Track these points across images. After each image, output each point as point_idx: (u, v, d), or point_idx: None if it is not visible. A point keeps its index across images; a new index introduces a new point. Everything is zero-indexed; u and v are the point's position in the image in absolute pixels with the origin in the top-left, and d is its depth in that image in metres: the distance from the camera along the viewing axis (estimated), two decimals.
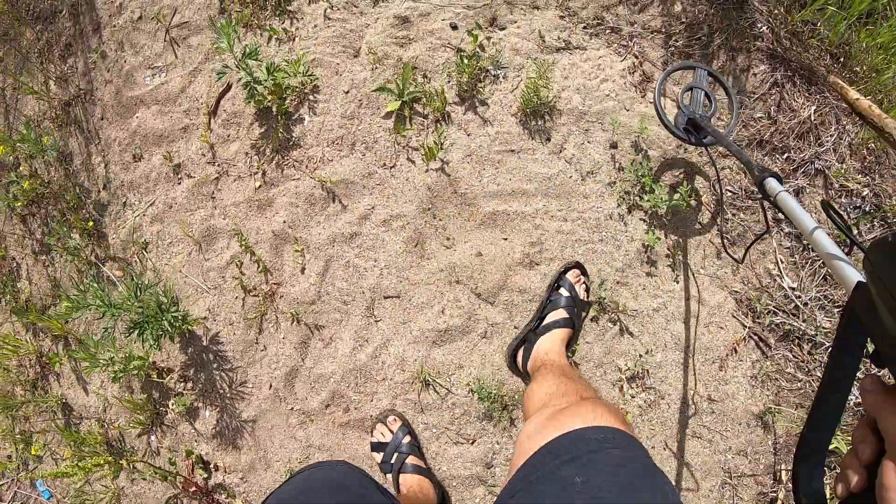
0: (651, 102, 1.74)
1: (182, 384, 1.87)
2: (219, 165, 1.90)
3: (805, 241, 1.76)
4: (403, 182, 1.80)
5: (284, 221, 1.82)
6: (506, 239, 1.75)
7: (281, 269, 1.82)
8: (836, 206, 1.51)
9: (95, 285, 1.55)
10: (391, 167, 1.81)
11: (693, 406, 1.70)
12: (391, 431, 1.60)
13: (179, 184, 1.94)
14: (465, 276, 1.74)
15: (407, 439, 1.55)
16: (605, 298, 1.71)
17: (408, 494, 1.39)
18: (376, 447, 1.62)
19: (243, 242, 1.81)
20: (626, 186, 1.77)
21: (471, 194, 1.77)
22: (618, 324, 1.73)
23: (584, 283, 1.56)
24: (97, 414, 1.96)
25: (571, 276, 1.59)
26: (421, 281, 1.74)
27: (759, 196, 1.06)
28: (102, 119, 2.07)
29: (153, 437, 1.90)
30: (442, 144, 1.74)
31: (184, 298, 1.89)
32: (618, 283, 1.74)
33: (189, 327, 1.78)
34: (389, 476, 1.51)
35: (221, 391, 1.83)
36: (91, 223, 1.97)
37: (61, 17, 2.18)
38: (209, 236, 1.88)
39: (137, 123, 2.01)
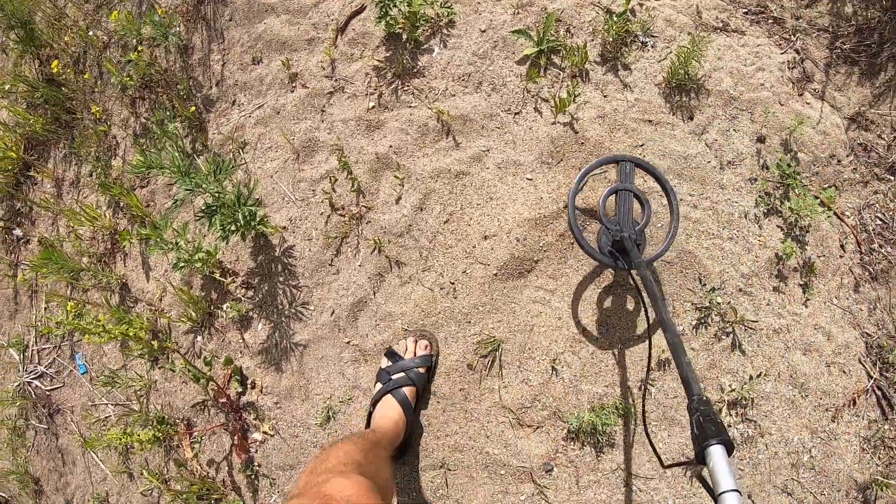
0: (566, 210, 1.13)
1: (243, 291, 1.35)
2: (336, 81, 1.40)
3: None
4: (526, 130, 1.26)
5: (391, 146, 1.29)
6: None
7: (375, 193, 1.29)
8: None
9: (176, 153, 1.05)
10: (516, 113, 1.27)
11: (793, 455, 1.09)
12: (414, 353, 1.17)
13: (292, 92, 1.44)
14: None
15: (422, 370, 1.15)
16: (722, 304, 1.13)
17: (378, 417, 1.08)
18: (390, 354, 1.19)
19: (343, 159, 1.29)
20: (767, 187, 1.21)
21: (595, 155, 1.21)
22: (731, 336, 1.14)
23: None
24: (152, 301, 1.45)
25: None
26: (529, 240, 1.19)
27: (692, 462, 0.56)
28: (230, 20, 1.60)
29: (199, 338, 1.38)
30: (574, 99, 1.20)
31: (269, 204, 1.38)
32: (740, 290, 1.16)
33: (265, 229, 1.27)
34: (379, 385, 1.15)
35: (280, 307, 1.30)
36: (193, 108, 1.49)
37: None
38: (309, 147, 1.37)
39: (264, 29, 1.54)
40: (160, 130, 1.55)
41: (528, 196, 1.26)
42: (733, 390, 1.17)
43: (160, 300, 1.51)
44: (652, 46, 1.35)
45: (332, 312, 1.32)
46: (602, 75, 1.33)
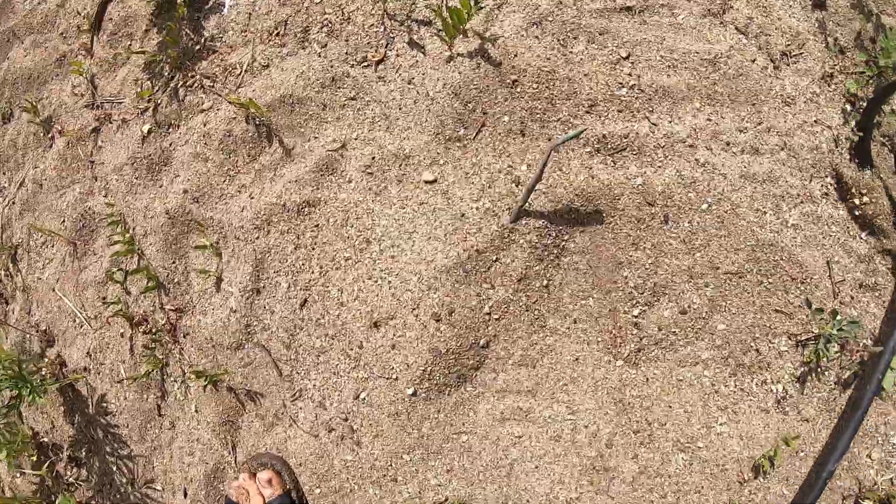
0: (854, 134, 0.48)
1: (73, 469, 0.61)
2: (99, 108, 0.60)
3: None
4: (403, 88, 0.43)
5: (185, 191, 0.49)
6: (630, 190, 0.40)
7: (184, 281, 0.49)
8: None
9: None
10: (378, 62, 0.44)
11: None
12: (260, 495, 0.52)
13: (51, 147, 0.65)
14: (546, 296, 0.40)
15: None
16: (842, 322, 0.35)
17: None
18: None
19: (125, 236, 0.49)
20: (852, 85, 0.36)
21: (547, 101, 0.38)
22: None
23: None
24: None
25: None
26: (459, 309, 0.39)
27: None
28: None
29: None
30: (478, 2, 0.35)
31: (59, 334, 0.60)
32: (860, 285, 0.36)
33: (38, 399, 0.51)
34: None
35: (122, 490, 0.57)
36: None
37: None
38: (86, 228, 0.59)
39: (7, 67, 0.75)
40: None
41: (437, 218, 0.47)
42: (887, 473, 0.41)
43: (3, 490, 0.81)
44: None
45: (186, 493, 0.58)
46: None
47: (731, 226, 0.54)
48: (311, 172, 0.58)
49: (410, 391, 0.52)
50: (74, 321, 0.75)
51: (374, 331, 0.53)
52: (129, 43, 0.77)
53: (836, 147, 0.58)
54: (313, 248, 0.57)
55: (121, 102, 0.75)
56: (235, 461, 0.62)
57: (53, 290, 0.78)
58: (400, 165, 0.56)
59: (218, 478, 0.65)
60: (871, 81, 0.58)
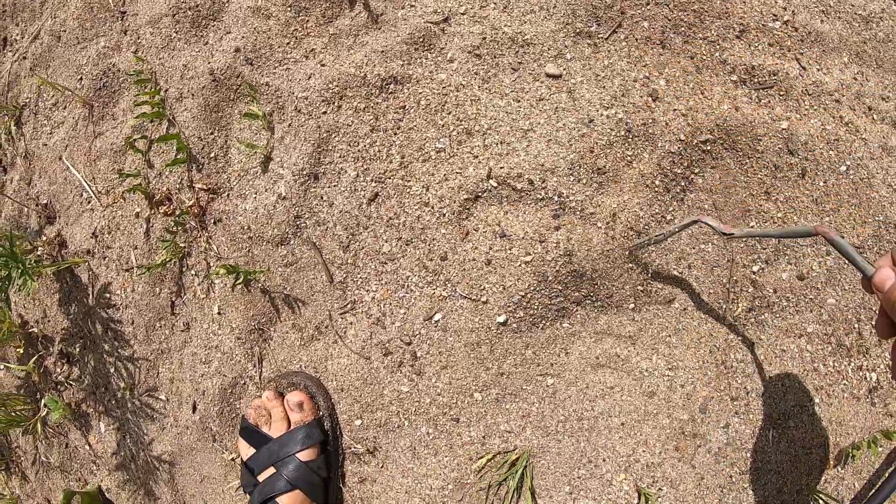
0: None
1: (64, 366, 0.36)
2: None
3: None
4: None
5: (238, 49, 0.23)
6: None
7: (222, 156, 0.25)
8: None
9: None
10: None
11: None
12: (286, 419, 0.33)
13: None
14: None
15: (307, 455, 0.29)
16: None
17: None
18: (248, 434, 0.34)
19: (155, 97, 0.23)
20: None
21: (695, 14, 0.17)
22: None
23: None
24: None
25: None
26: (568, 234, 0.19)
27: None
28: None
29: (40, 444, 0.41)
30: None
31: (62, 209, 0.33)
32: None
33: (29, 282, 0.26)
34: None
35: (119, 395, 0.32)
36: None
37: None
38: (107, 88, 0.31)
39: None
40: None
41: (560, 119, 0.25)
42: None
43: None
44: None
45: (195, 407, 0.36)
46: None
47: (864, 196, 0.38)
48: (403, 44, 0.36)
49: (501, 319, 0.33)
50: (82, 195, 0.50)
51: (464, 241, 0.33)
52: None
53: None
54: (395, 133, 0.36)
55: None
56: (260, 377, 0.42)
57: (60, 159, 0.52)
58: (517, 52, 0.35)
59: (235, 394, 0.44)
60: None
